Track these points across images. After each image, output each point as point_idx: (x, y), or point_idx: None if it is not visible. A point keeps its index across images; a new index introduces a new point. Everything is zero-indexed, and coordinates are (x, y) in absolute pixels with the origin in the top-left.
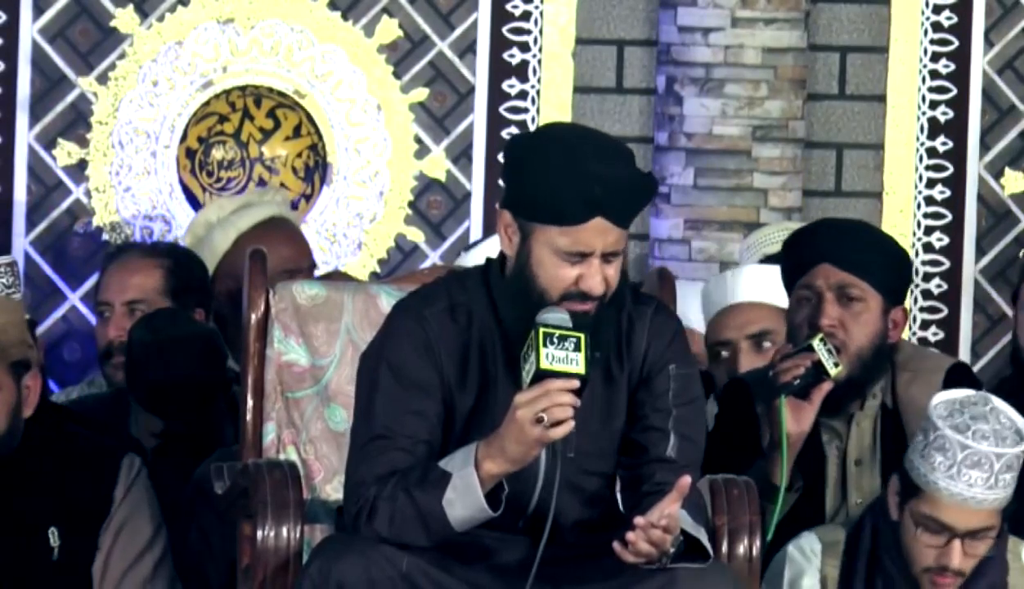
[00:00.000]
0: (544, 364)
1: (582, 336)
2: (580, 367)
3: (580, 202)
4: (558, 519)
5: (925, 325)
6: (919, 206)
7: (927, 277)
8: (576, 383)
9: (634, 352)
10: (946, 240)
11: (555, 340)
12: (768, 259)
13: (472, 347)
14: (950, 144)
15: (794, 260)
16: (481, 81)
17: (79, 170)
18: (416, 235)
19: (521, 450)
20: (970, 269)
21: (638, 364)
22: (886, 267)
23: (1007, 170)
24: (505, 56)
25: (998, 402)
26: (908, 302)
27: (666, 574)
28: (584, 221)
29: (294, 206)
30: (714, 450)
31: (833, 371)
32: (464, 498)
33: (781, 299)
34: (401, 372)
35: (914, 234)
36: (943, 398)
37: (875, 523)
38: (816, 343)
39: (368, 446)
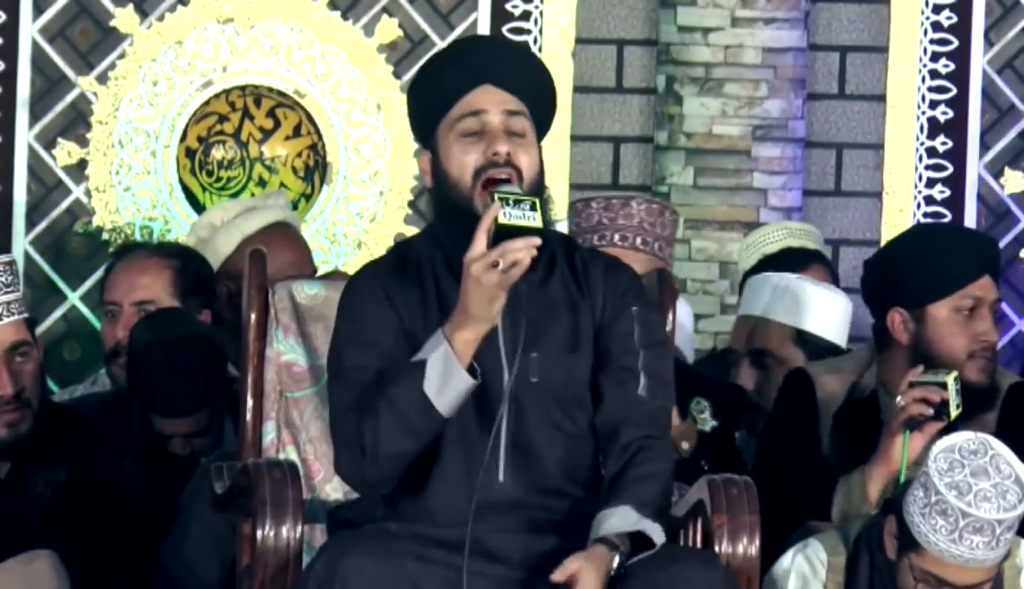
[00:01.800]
0: (502, 220)
1: (536, 200)
2: (538, 222)
3: (461, 71)
4: (540, 460)
5: None
6: (919, 206)
7: None
8: (536, 240)
9: (593, 289)
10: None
11: (511, 203)
12: (767, 258)
13: (428, 291)
14: (950, 144)
15: (964, 265)
16: None
17: (79, 170)
18: None
19: (482, 304)
20: None
21: (599, 304)
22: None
23: (1007, 170)
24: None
25: (998, 447)
26: None
27: (664, 571)
28: (472, 88)
29: (294, 206)
30: (770, 441)
31: (954, 414)
32: (445, 375)
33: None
34: (361, 322)
35: None
36: (943, 447)
37: (871, 553)
38: (951, 381)
39: (344, 393)
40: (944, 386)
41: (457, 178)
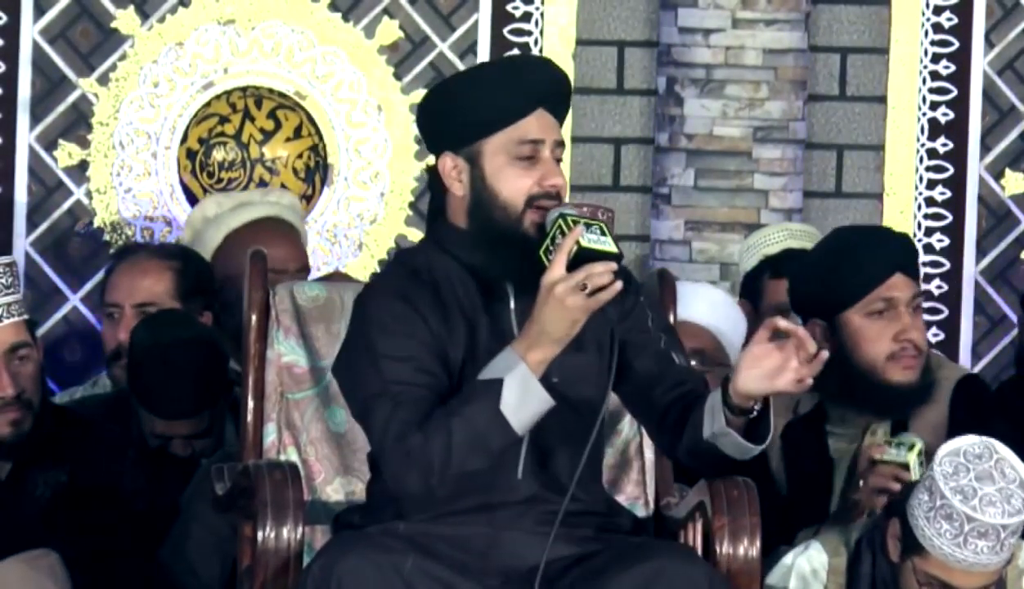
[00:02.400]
0: (584, 244)
1: (603, 224)
2: (613, 247)
3: (521, 93)
4: (555, 459)
5: (926, 326)
6: (919, 207)
7: (927, 278)
8: (614, 265)
9: None
10: (946, 241)
11: (585, 226)
12: (769, 260)
13: (448, 300)
14: (950, 145)
15: (867, 269)
16: None
17: (80, 171)
18: (417, 236)
19: (564, 326)
20: (970, 270)
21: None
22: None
23: (1007, 171)
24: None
25: (1002, 450)
26: None
27: (646, 566)
28: (529, 112)
29: None
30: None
31: (916, 478)
32: (523, 396)
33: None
34: (394, 336)
35: (914, 235)
36: (948, 450)
37: (873, 554)
38: (914, 458)
39: (396, 410)
40: (907, 466)
41: (507, 200)
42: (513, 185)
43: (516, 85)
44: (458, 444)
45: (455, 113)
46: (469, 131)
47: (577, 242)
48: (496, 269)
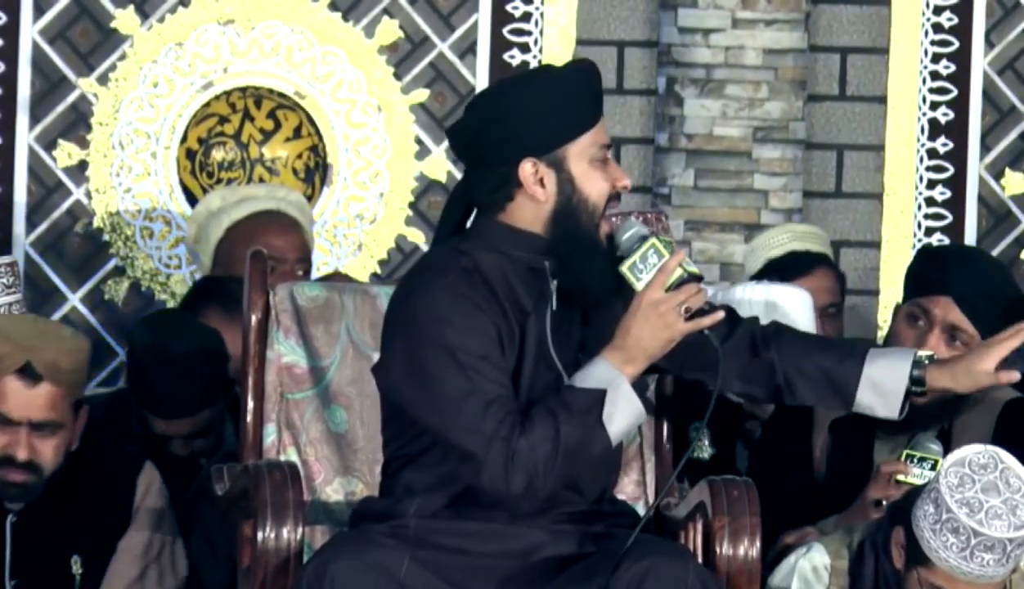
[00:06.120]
0: (688, 269)
1: (672, 241)
2: (695, 267)
3: (595, 97)
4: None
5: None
6: (919, 207)
7: None
8: (705, 287)
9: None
10: (947, 241)
11: (670, 246)
12: (772, 263)
13: (504, 299)
14: (951, 145)
15: (921, 276)
16: (481, 82)
17: (79, 171)
18: (416, 236)
19: (662, 344)
20: None
21: (618, 303)
22: (1005, 326)
23: (1008, 171)
24: (505, 57)
25: (1008, 459)
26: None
27: (638, 564)
28: (601, 116)
29: None
30: (764, 445)
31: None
32: (624, 408)
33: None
34: (468, 335)
35: (914, 235)
36: (953, 461)
37: (876, 556)
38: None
39: (487, 410)
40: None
41: (595, 204)
42: (598, 188)
43: (590, 90)
44: (564, 450)
45: (543, 118)
46: (557, 136)
47: (682, 266)
48: (577, 269)
